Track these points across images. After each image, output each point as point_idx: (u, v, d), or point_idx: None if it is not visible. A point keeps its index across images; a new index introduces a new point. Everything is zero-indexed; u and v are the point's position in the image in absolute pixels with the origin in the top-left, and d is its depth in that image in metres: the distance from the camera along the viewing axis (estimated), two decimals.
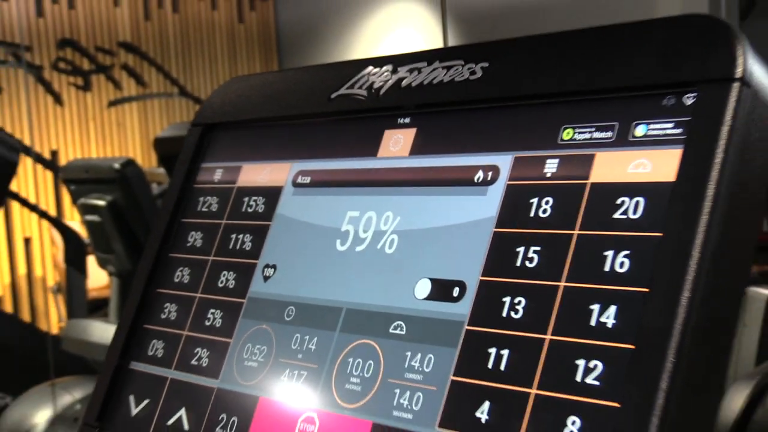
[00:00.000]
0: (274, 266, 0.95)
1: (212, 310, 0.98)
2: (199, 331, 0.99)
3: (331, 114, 0.97)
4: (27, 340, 3.27)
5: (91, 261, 3.82)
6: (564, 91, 0.79)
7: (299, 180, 0.98)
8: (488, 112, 0.84)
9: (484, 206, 0.80)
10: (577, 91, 0.78)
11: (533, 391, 0.70)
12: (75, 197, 3.38)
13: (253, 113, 1.08)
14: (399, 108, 0.90)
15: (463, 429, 0.73)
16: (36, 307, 7.21)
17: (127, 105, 7.89)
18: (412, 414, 0.77)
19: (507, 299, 0.75)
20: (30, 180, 6.86)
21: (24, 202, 4.09)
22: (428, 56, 0.90)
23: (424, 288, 0.81)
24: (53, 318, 6.97)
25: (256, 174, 1.03)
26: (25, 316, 6.98)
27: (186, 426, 0.93)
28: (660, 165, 0.70)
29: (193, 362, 0.97)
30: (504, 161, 0.81)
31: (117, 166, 3.19)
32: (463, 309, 0.78)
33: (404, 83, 0.90)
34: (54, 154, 7.40)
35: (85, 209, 3.30)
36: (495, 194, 0.80)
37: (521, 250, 0.76)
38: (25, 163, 5.38)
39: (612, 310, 0.68)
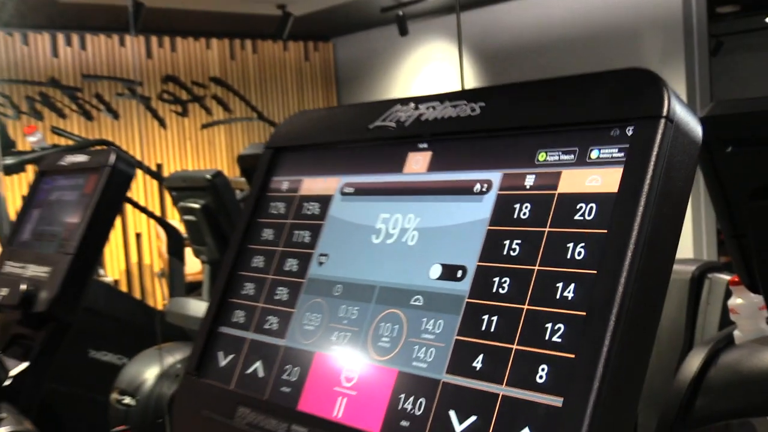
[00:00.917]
0: (326, 255, 0.98)
1: (280, 288, 1.01)
2: (270, 303, 1.02)
3: (369, 140, 1.00)
4: (138, 313, 3.29)
5: (188, 252, 3.80)
6: (539, 125, 0.83)
7: (345, 190, 1.01)
8: (484, 140, 0.87)
9: (481, 210, 0.84)
10: (549, 125, 0.82)
11: (514, 346, 0.74)
12: (176, 201, 3.40)
13: (311, 139, 1.10)
14: (419, 136, 0.93)
15: (463, 375, 0.77)
16: (145, 289, 7.32)
17: (216, 127, 7.98)
18: (426, 364, 0.80)
19: (496, 279, 0.79)
20: (140, 187, 6.96)
21: (135, 205, 4.07)
22: (440, 97, 0.93)
23: (436, 271, 0.85)
24: (158, 297, 7.04)
25: (313, 185, 1.05)
26: (137, 295, 7.05)
27: (261, 374, 0.96)
28: (607, 180, 0.74)
29: (266, 327, 1.00)
30: (495, 176, 0.84)
31: (208, 176, 3.22)
32: (464, 286, 0.81)
33: (423, 117, 0.93)
34: (159, 166, 7.53)
35: (183, 211, 3.32)
36: (489, 201, 0.83)
37: (507, 242, 0.80)
38: (137, 174, 5.47)
39: (571, 286, 0.72)
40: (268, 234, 1.08)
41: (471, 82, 7.44)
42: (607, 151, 0.76)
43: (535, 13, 6.85)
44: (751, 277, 1.25)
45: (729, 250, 1.33)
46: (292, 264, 1.02)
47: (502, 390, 0.73)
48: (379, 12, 7.24)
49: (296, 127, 1.15)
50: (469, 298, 0.81)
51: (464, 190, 0.87)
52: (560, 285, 0.74)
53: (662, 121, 0.71)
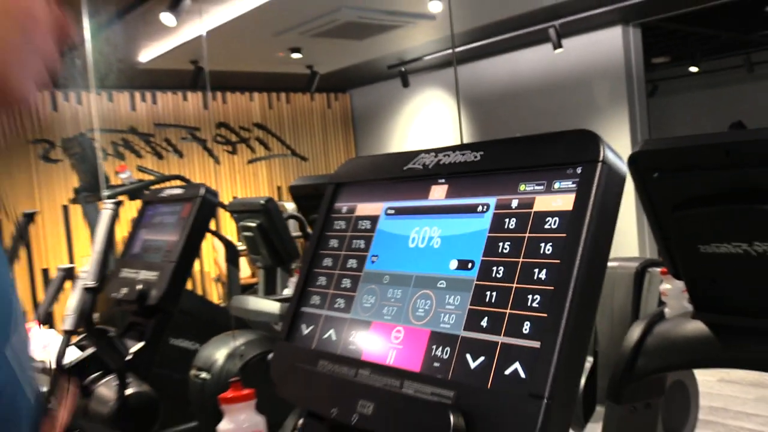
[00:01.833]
0: (377, 255, 1.03)
1: (344, 279, 1.05)
2: (337, 290, 1.05)
3: (404, 177, 1.04)
4: (205, 309, 3.26)
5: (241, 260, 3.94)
6: (520, 166, 0.89)
7: (388, 211, 1.05)
8: (484, 177, 0.93)
9: (483, 223, 0.90)
10: (527, 166, 0.88)
11: (508, 311, 0.81)
12: (237, 221, 3.36)
13: (362, 177, 1.14)
14: (439, 174, 0.99)
15: (474, 330, 0.83)
16: (205, 291, 7.33)
17: (259, 162, 8.02)
18: (449, 325, 0.87)
19: (494, 268, 0.86)
20: None
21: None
22: (453, 148, 0.97)
23: (453, 264, 0.91)
24: (215, 297, 7.06)
25: (365, 208, 1.09)
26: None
27: (333, 338, 1.01)
28: (565, 202, 0.81)
29: (335, 306, 1.04)
30: (492, 201, 0.90)
31: (262, 201, 3.25)
32: (473, 274, 0.88)
33: (441, 162, 0.98)
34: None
35: (243, 228, 3.31)
36: (488, 217, 0.90)
37: (501, 244, 0.86)
38: None
39: (544, 271, 0.80)
40: (333, 243, 1.11)
41: (463, 122, 7.52)
42: (565, 183, 0.82)
43: (507, 68, 6.93)
44: (675, 268, 1.28)
45: (658, 248, 1.33)
46: (352, 263, 1.06)
47: (501, 339, 0.80)
48: (386, 69, 7.32)
49: (351, 169, 1.17)
50: (477, 281, 0.87)
51: (471, 209, 0.93)
52: (536, 270, 0.81)
53: (599, 163, 0.79)
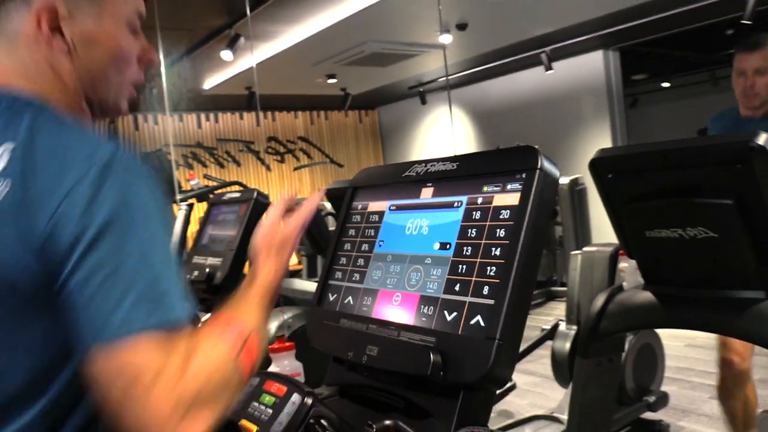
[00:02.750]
0: (383, 240, 1.08)
1: (359, 259, 1.11)
2: (354, 266, 1.11)
3: (402, 182, 1.09)
4: None
5: None
6: (483, 173, 0.96)
7: (391, 207, 1.10)
8: (459, 180, 0.99)
9: (457, 215, 0.96)
10: (487, 173, 0.95)
11: (473, 279, 0.89)
12: (283, 219, 3.65)
13: (373, 182, 1.19)
14: (427, 179, 1.05)
15: (450, 294, 0.90)
16: None
17: (303, 169, 8.03)
18: (433, 290, 0.93)
19: (464, 248, 0.92)
20: None
21: None
22: (437, 160, 1.04)
23: (437, 246, 0.97)
24: None
25: (374, 206, 1.14)
26: None
27: (351, 302, 1.06)
28: (514, 198, 0.88)
29: (353, 279, 1.10)
30: (464, 198, 0.96)
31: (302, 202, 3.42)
32: (450, 253, 0.94)
33: (429, 170, 1.04)
34: (266, 197, 7.70)
35: None
36: (461, 211, 0.96)
37: (469, 230, 0.93)
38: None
39: (498, 250, 0.87)
40: (351, 232, 1.16)
41: (471, 134, 7.54)
42: (514, 185, 0.89)
43: (508, 87, 6.94)
44: (628, 249, 1.30)
45: (615, 234, 1.33)
46: (365, 246, 1.11)
47: (468, 299, 0.88)
48: (407, 89, 7.34)
49: (364, 176, 1.22)
50: (452, 257, 0.94)
51: (450, 205, 0.98)
52: (493, 249, 0.88)
53: (537, 170, 0.87)
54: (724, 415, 2.51)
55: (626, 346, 2.98)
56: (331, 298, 1.13)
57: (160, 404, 0.63)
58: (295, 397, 0.80)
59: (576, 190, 5.33)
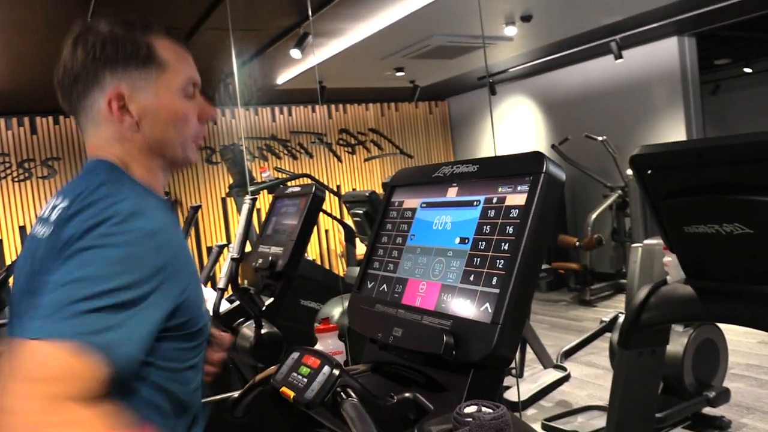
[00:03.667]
0: (414, 235, 1.15)
1: (394, 251, 1.18)
2: (389, 257, 1.19)
3: (432, 182, 1.16)
4: (328, 277, 3.38)
5: (357, 241, 4.05)
6: (498, 175, 1.02)
7: (422, 204, 1.18)
8: (478, 181, 1.06)
9: (476, 213, 1.03)
10: (501, 175, 1.02)
11: (485, 270, 0.96)
12: (348, 209, 3.63)
13: (408, 181, 1.26)
14: (453, 180, 1.11)
15: (466, 283, 0.98)
16: (331, 264, 7.51)
17: (373, 161, 8.10)
18: (452, 280, 1.01)
19: (480, 243, 0.99)
20: (328, 202, 7.10)
21: (325, 212, 4.30)
22: (460, 162, 1.11)
23: (457, 240, 1.04)
24: (340, 269, 7.18)
25: (409, 203, 1.21)
26: (326, 267, 7.33)
27: (386, 289, 1.14)
28: (522, 198, 0.95)
29: (388, 268, 1.17)
30: (482, 198, 1.03)
31: (367, 194, 3.45)
32: (468, 247, 1.01)
33: (454, 171, 1.12)
34: (338, 187, 7.70)
35: (353, 215, 3.53)
36: (479, 209, 1.03)
37: (485, 227, 1.00)
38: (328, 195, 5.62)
39: (507, 245, 0.94)
40: (389, 226, 1.24)
41: (541, 124, 7.48)
42: (523, 186, 0.96)
43: (578, 76, 6.83)
44: (669, 244, 1.32)
45: (657, 228, 1.35)
46: (399, 240, 1.19)
47: (480, 288, 0.95)
48: (476, 80, 7.31)
49: (401, 176, 1.30)
50: (469, 251, 1.01)
51: (470, 204, 1.06)
52: (502, 244, 0.95)
53: (542, 174, 0.94)
54: None
55: (685, 341, 2.98)
56: (369, 286, 1.22)
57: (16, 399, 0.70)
58: (326, 369, 0.93)
59: None
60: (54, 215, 0.95)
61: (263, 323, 1.95)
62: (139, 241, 0.88)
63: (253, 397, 1.15)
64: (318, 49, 4.92)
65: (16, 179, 6.45)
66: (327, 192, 2.29)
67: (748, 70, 8.10)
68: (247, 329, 1.98)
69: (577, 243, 5.76)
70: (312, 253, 7.37)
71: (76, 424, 0.72)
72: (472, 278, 1.00)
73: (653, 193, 1.29)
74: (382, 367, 1.12)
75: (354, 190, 7.45)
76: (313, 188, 2.18)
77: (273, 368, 1.03)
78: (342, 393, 0.89)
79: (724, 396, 2.98)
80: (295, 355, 1.01)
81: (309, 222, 2.15)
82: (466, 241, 1.04)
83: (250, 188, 4.57)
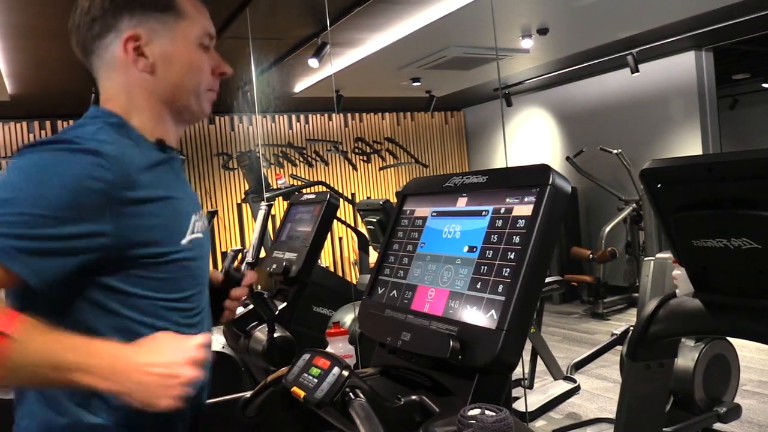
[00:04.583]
0: (424, 242, 1.18)
1: (404, 258, 1.21)
2: (400, 264, 1.21)
3: (443, 191, 1.19)
4: (340, 285, 3.37)
5: (371, 249, 4.09)
6: (505, 186, 1.05)
7: (433, 213, 1.21)
8: (486, 191, 1.10)
9: (484, 222, 1.06)
10: (509, 186, 1.05)
11: (491, 278, 0.99)
12: (362, 217, 3.64)
13: (419, 190, 1.29)
14: (462, 190, 1.15)
15: (473, 290, 1.01)
16: (344, 271, 7.52)
17: (388, 169, 8.13)
18: (460, 287, 1.04)
19: (487, 251, 1.03)
20: (343, 210, 6.99)
21: (340, 221, 4.34)
22: (470, 173, 1.14)
23: (465, 248, 1.08)
24: (352, 276, 7.21)
25: (420, 212, 1.24)
26: (339, 274, 7.21)
27: (396, 295, 1.17)
28: (529, 209, 0.98)
29: (398, 275, 1.20)
30: (490, 208, 1.06)
31: (381, 202, 3.50)
32: (476, 255, 1.05)
33: (464, 182, 1.15)
34: (353, 195, 7.71)
35: (367, 223, 3.54)
36: (487, 219, 1.06)
37: (492, 236, 1.03)
38: (342, 203, 5.57)
39: (513, 254, 0.98)
40: (400, 234, 1.27)
41: (556, 136, 7.47)
42: (529, 198, 0.99)
43: (594, 89, 6.82)
44: (679, 257, 1.32)
45: (666, 242, 1.35)
46: (409, 247, 1.22)
47: (486, 295, 0.99)
48: (492, 91, 7.34)
49: (413, 185, 1.33)
50: (477, 259, 1.04)
51: (478, 213, 1.09)
52: (509, 252, 0.98)
53: (548, 186, 0.97)
54: None
55: (696, 356, 2.97)
56: (380, 291, 1.26)
57: None
58: (335, 370, 0.96)
59: None
60: None
61: (276, 327, 1.97)
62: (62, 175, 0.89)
63: (265, 397, 1.19)
64: (335, 58, 4.98)
65: None
66: (341, 200, 2.31)
67: (766, 85, 8.04)
68: (260, 333, 2.01)
69: (591, 255, 5.75)
70: (325, 260, 7.37)
71: None
72: (479, 285, 1.03)
73: (663, 206, 1.30)
74: (390, 370, 1.15)
75: (368, 198, 7.47)
76: (328, 196, 2.21)
77: (284, 369, 1.07)
78: (351, 393, 0.92)
79: (735, 412, 2.95)
80: (306, 356, 1.05)
81: (323, 229, 2.19)
82: (474, 249, 1.08)
83: (266, 195, 4.62)
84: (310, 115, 7.77)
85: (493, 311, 0.98)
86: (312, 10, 3.88)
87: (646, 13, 4.56)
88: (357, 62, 5.18)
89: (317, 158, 7.77)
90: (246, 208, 7.16)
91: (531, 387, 3.30)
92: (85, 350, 0.81)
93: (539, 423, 3.19)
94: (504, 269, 1.00)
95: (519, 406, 2.89)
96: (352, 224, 6.50)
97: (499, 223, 1.05)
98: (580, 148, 6.54)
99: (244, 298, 1.27)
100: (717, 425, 2.93)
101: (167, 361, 0.84)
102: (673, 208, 1.26)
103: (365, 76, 5.81)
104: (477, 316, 1.00)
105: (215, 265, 7.04)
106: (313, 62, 4.32)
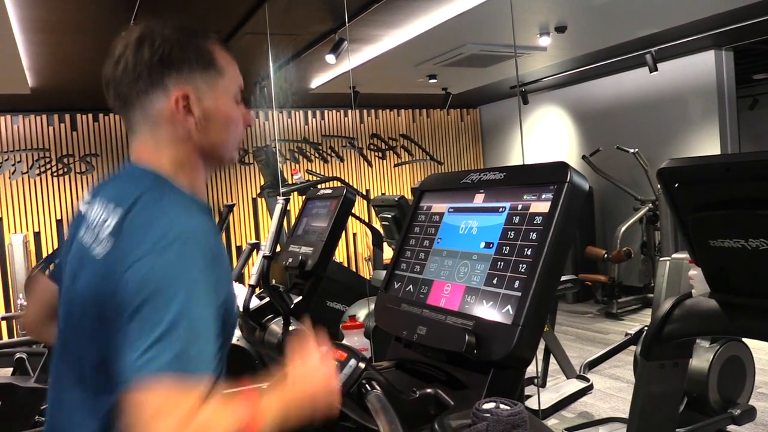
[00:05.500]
0: (441, 238, 1.21)
1: (421, 253, 1.24)
2: (416, 260, 1.24)
3: (460, 188, 1.22)
4: (354, 280, 3.34)
5: (385, 245, 4.14)
6: (523, 183, 1.07)
7: (450, 210, 1.23)
8: (504, 188, 1.11)
9: (501, 219, 1.09)
10: (527, 183, 1.06)
11: (508, 274, 1.02)
12: (377, 213, 3.68)
13: (436, 186, 1.31)
14: (480, 186, 1.17)
15: (490, 286, 1.03)
16: (358, 267, 7.54)
17: (403, 166, 8.11)
18: (476, 282, 1.07)
19: (504, 247, 1.05)
20: (357, 206, 7.05)
21: (355, 217, 4.21)
22: (488, 170, 1.16)
23: (482, 244, 1.10)
24: (366, 272, 7.18)
25: (437, 208, 1.26)
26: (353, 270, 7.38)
27: (412, 290, 1.20)
28: (546, 206, 1.00)
29: (414, 270, 1.23)
30: (507, 205, 1.09)
31: (396, 198, 3.50)
32: (492, 251, 1.07)
33: (481, 178, 1.17)
34: (367, 191, 7.74)
35: (382, 219, 3.56)
36: (504, 215, 1.09)
37: (509, 232, 1.05)
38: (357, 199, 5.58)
39: (530, 250, 1.00)
40: (416, 230, 1.30)
41: (573, 135, 7.44)
42: (547, 195, 1.01)
43: (612, 88, 6.78)
44: (695, 257, 1.30)
45: (683, 242, 1.37)
46: (426, 243, 1.24)
47: (502, 291, 1.01)
48: (508, 89, 7.30)
49: (430, 181, 1.36)
50: (494, 255, 1.06)
51: (495, 210, 1.11)
52: (525, 249, 1.00)
53: (566, 183, 0.98)
54: None
55: (711, 357, 2.96)
56: (396, 286, 1.28)
57: None
58: (352, 362, 0.98)
59: None
60: (104, 230, 0.97)
61: (291, 321, 1.99)
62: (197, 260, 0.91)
63: None
64: (352, 54, 5.00)
65: (55, 174, 6.63)
66: (356, 196, 2.32)
67: None
68: (276, 326, 2.04)
69: (606, 255, 5.73)
70: (339, 256, 7.37)
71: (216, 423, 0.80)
72: (495, 281, 1.05)
73: (680, 206, 1.30)
74: (405, 363, 1.17)
75: (383, 194, 7.48)
76: (345, 191, 2.23)
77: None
78: (367, 385, 0.94)
79: (749, 414, 2.94)
80: (324, 349, 1.06)
81: (339, 223, 2.20)
82: (491, 245, 1.10)
83: (282, 189, 4.64)
84: (326, 111, 7.78)
85: (509, 307, 0.99)
86: (330, 6, 3.90)
87: (666, 12, 4.53)
88: (374, 59, 5.19)
89: (332, 154, 7.79)
90: (261, 203, 7.20)
91: (544, 385, 3.31)
92: (281, 407, 0.90)
93: (551, 421, 3.20)
94: (520, 265, 1.01)
95: (532, 403, 2.90)
96: (367, 220, 6.51)
97: (516, 219, 1.07)
98: (597, 147, 6.51)
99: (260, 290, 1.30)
100: (731, 427, 2.92)
101: (319, 382, 0.95)
102: (690, 208, 1.26)
103: (382, 73, 5.82)
104: (493, 312, 1.02)
105: (231, 260, 7.12)
106: (330, 58, 4.34)
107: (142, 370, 0.79)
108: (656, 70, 5.34)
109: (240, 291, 2.20)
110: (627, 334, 3.18)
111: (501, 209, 1.11)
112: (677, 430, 2.39)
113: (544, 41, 4.92)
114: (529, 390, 3.16)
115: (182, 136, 1.03)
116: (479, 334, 1.00)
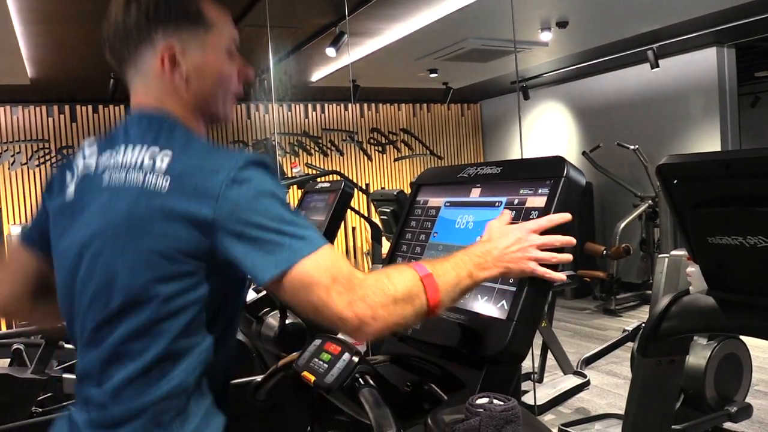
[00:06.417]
0: (437, 232, 1.21)
1: (417, 247, 1.24)
2: (412, 254, 1.25)
3: (456, 182, 1.22)
4: None
5: (383, 239, 4.18)
6: (519, 178, 1.07)
7: (446, 204, 1.23)
8: (499, 182, 1.11)
9: (497, 213, 1.07)
10: (523, 178, 1.06)
11: None
12: (376, 208, 3.69)
13: (433, 180, 1.31)
14: (476, 181, 1.17)
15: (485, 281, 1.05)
16: (357, 261, 7.51)
17: (403, 160, 8.08)
18: None
19: None
20: (356, 199, 7.01)
21: (354, 210, 4.36)
22: (485, 164, 1.15)
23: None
24: (366, 267, 7.10)
25: (433, 202, 1.27)
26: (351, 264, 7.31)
27: None
28: (542, 200, 1.00)
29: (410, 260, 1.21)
30: (504, 199, 1.09)
31: (395, 193, 3.54)
32: None
33: (479, 173, 1.16)
34: (367, 185, 7.70)
35: (381, 213, 3.59)
36: (501, 209, 1.08)
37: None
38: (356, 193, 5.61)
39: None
40: (413, 223, 1.30)
41: (573, 131, 7.43)
42: (543, 189, 1.01)
43: (613, 84, 6.75)
44: (693, 254, 1.31)
45: (681, 238, 1.43)
46: (422, 237, 1.24)
47: (498, 286, 1.01)
48: (509, 84, 7.27)
49: (427, 175, 1.36)
50: None
51: (492, 204, 1.11)
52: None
53: (563, 178, 0.98)
54: None
55: (708, 354, 2.95)
56: None
57: (337, 304, 0.86)
58: (346, 356, 0.98)
59: None
60: (156, 166, 0.96)
61: (288, 314, 1.99)
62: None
63: (276, 382, 1.20)
64: (353, 48, 4.98)
65: (54, 165, 6.62)
66: (355, 190, 2.32)
67: None
68: (272, 319, 2.02)
69: (604, 251, 5.73)
70: (338, 250, 7.18)
71: (394, 281, 0.91)
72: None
73: (678, 203, 1.29)
74: (400, 358, 1.16)
75: (382, 188, 7.48)
76: (343, 184, 2.23)
77: (295, 354, 1.08)
78: (360, 379, 0.94)
79: (745, 412, 2.94)
80: (317, 341, 1.06)
81: (337, 217, 2.21)
82: None
83: (282, 183, 4.62)
84: (326, 105, 7.77)
85: (503, 302, 0.99)
86: None
87: (668, 8, 4.51)
88: (374, 52, 5.18)
89: (332, 148, 7.77)
90: None
91: (540, 381, 3.31)
92: (471, 261, 0.96)
93: (548, 417, 3.20)
94: None
95: (528, 399, 2.90)
96: (366, 214, 6.46)
97: (513, 214, 1.06)
98: (597, 143, 6.50)
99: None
100: (727, 424, 2.92)
101: (514, 240, 0.99)
102: (689, 205, 1.25)
103: (382, 67, 5.81)
104: (488, 307, 1.01)
105: None
106: (330, 51, 4.32)
107: (289, 261, 0.88)
108: (657, 66, 5.32)
109: None
110: (624, 331, 3.18)
111: (497, 204, 1.11)
112: (673, 426, 2.38)
113: (546, 36, 4.91)
114: (525, 385, 3.16)
115: (174, 92, 1.03)
116: (474, 329, 1.00)
